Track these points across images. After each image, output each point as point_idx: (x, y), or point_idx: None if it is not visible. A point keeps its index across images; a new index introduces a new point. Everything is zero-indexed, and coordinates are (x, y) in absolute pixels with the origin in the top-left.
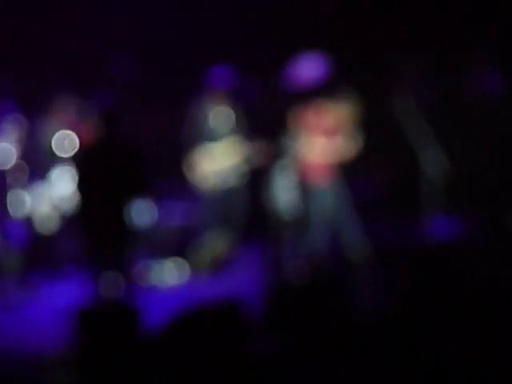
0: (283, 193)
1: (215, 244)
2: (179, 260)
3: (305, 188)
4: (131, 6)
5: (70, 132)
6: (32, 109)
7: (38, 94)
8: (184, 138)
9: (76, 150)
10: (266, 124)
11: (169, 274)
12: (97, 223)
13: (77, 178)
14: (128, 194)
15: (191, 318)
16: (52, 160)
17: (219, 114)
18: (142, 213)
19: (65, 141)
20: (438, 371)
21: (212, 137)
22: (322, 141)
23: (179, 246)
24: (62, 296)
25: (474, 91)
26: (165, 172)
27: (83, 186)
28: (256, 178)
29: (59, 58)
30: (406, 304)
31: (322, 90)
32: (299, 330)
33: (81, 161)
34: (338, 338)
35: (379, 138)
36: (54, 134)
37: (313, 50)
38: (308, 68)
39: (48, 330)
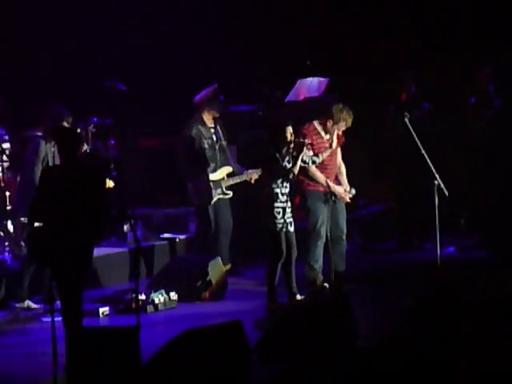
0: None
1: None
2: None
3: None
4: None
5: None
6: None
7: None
8: (180, 157)
9: None
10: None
11: (166, 300)
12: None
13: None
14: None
15: (192, 340)
16: None
17: (212, 133)
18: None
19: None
20: None
21: (207, 153)
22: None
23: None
24: None
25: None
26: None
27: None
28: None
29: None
30: (409, 325)
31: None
32: (303, 354)
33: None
34: (343, 363)
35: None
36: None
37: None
38: (308, 89)
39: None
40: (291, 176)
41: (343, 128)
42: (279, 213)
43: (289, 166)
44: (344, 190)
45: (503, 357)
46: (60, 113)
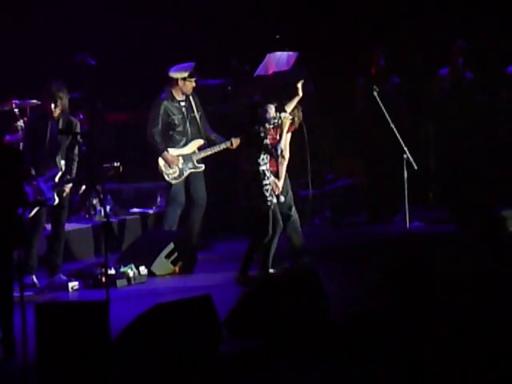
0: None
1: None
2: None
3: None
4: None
5: None
6: None
7: None
8: (150, 130)
9: None
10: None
11: (136, 274)
12: None
13: None
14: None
15: (161, 315)
16: None
17: (182, 106)
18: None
19: None
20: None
21: (177, 126)
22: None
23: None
24: None
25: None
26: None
27: None
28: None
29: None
30: (379, 298)
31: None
32: (273, 328)
33: None
34: (313, 337)
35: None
36: None
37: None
38: (277, 63)
39: None
40: (278, 152)
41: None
42: (267, 190)
43: (269, 142)
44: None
45: (471, 329)
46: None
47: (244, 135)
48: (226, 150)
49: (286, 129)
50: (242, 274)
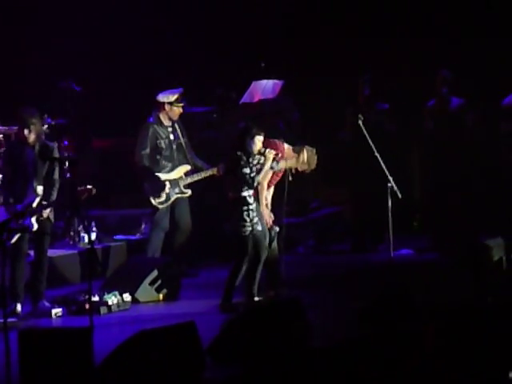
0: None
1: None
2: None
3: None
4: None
5: None
6: None
7: None
8: (138, 153)
9: None
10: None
11: (119, 301)
12: None
13: None
14: None
15: (145, 342)
16: None
17: (169, 132)
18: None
19: None
20: None
21: (164, 151)
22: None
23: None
24: None
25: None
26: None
27: None
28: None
29: None
30: (364, 327)
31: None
32: (257, 355)
33: None
34: (297, 365)
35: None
36: None
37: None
38: (263, 91)
39: None
40: (255, 184)
41: (297, 167)
42: (248, 216)
43: (253, 173)
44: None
45: (454, 358)
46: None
47: (227, 161)
48: (212, 176)
49: (268, 164)
50: (226, 301)
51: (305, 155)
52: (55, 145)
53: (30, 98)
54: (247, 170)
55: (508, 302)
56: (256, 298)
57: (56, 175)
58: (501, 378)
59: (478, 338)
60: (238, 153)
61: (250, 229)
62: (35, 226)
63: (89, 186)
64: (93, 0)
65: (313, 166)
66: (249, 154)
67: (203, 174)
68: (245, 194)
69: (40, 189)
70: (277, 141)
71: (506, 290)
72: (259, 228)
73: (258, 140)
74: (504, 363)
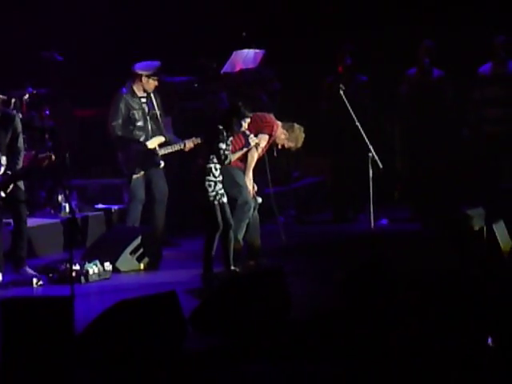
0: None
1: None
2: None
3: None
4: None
5: None
6: None
7: None
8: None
9: None
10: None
11: (100, 270)
12: None
13: None
14: None
15: (126, 311)
16: None
17: (143, 102)
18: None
19: None
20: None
21: (137, 121)
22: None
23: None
24: None
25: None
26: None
27: None
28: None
29: None
30: (342, 296)
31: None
32: (237, 325)
33: None
34: (276, 335)
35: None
36: None
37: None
38: (244, 60)
39: None
40: (226, 161)
41: (284, 143)
42: (210, 186)
43: (227, 151)
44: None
45: (434, 330)
46: None
47: (206, 131)
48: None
49: (245, 149)
50: (206, 271)
51: (294, 133)
52: (17, 113)
53: (12, 67)
54: (223, 146)
55: (488, 272)
56: (233, 268)
57: (20, 143)
58: (480, 345)
59: (456, 306)
60: (220, 127)
61: (213, 198)
62: (2, 194)
63: (48, 154)
64: None
65: (299, 145)
66: (231, 131)
67: (176, 147)
68: (211, 165)
69: (3, 159)
70: (271, 116)
71: (486, 260)
72: (225, 200)
73: (245, 122)
74: (483, 330)
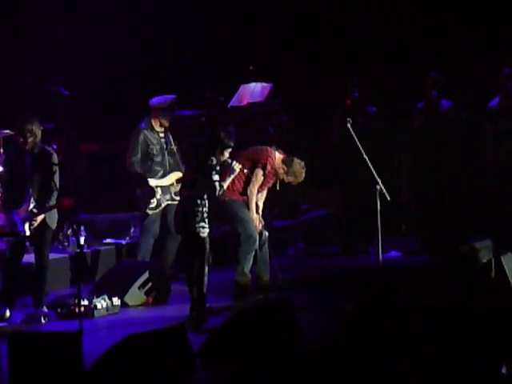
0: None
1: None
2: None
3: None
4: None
5: None
6: None
7: None
8: (129, 159)
9: None
10: None
11: (109, 305)
12: None
13: None
14: None
15: (135, 346)
16: None
17: (161, 137)
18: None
19: None
20: None
21: (155, 157)
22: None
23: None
24: None
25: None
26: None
27: None
28: None
29: None
30: (353, 326)
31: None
32: (247, 358)
33: None
34: (287, 368)
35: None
36: None
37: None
38: (251, 94)
39: None
40: (220, 192)
41: (283, 178)
42: (206, 218)
43: (217, 179)
44: (259, 221)
45: (443, 360)
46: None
47: (196, 161)
48: None
49: (232, 176)
50: (202, 305)
51: (293, 168)
52: (52, 150)
53: (19, 101)
54: (217, 177)
55: (496, 304)
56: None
57: (55, 181)
58: (493, 374)
59: (467, 337)
60: (213, 159)
61: (208, 230)
62: (27, 232)
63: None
64: (81, 5)
65: (300, 179)
66: (218, 161)
67: None
68: (204, 197)
69: (35, 195)
70: (269, 149)
71: (494, 292)
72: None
73: (227, 152)
74: (495, 359)
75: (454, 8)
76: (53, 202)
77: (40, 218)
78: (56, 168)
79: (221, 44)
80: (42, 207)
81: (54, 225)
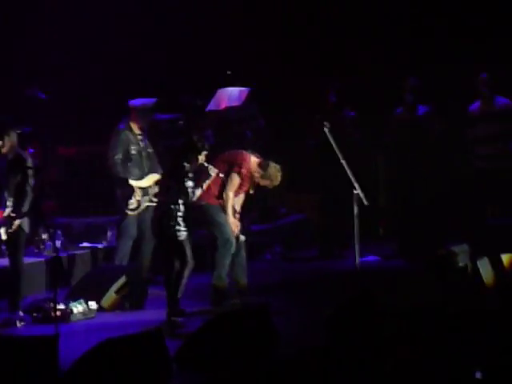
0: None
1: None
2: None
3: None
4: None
5: None
6: None
7: None
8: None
9: None
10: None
11: (85, 309)
12: None
13: None
14: None
15: (111, 350)
16: None
17: (139, 139)
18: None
19: None
20: None
21: (134, 157)
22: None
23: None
24: None
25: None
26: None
27: None
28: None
29: None
30: (330, 332)
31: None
32: (223, 363)
33: None
34: (263, 373)
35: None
36: None
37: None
38: (229, 98)
39: None
40: (194, 198)
41: (259, 181)
42: (181, 222)
43: (191, 185)
44: (235, 225)
45: (421, 364)
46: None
47: (170, 167)
48: None
49: (208, 181)
50: (174, 308)
51: (269, 171)
52: (27, 154)
53: None
54: (190, 183)
55: (472, 308)
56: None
57: (29, 185)
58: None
59: (442, 341)
60: (186, 165)
61: (183, 234)
62: (3, 237)
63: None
64: (58, 9)
65: (276, 183)
66: (193, 167)
67: None
68: (179, 202)
69: (11, 200)
70: (244, 152)
71: (470, 296)
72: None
73: (203, 155)
74: (469, 364)
75: (432, 15)
76: (27, 206)
77: (17, 222)
78: (31, 172)
79: (198, 48)
80: (18, 212)
81: (27, 228)
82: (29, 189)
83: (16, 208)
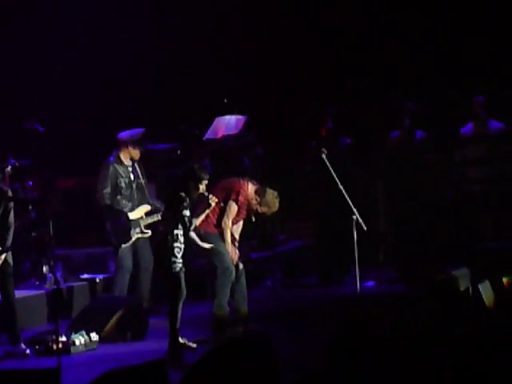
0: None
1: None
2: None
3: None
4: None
5: None
6: None
7: None
8: (100, 192)
9: None
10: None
11: (87, 341)
12: None
13: None
14: None
15: (113, 382)
16: None
17: (129, 171)
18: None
19: None
20: None
21: (124, 190)
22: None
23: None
24: None
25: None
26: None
27: None
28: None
29: None
30: (331, 359)
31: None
32: None
33: None
34: None
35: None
36: None
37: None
38: (226, 126)
39: None
40: (192, 227)
41: (257, 208)
42: (178, 252)
43: (188, 214)
44: (235, 253)
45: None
46: None
47: (168, 197)
48: None
49: (207, 211)
50: (174, 341)
51: (267, 198)
52: (8, 188)
53: None
54: (187, 213)
55: (474, 332)
56: (181, 340)
57: (11, 218)
58: None
59: (444, 366)
60: (182, 194)
61: (181, 266)
62: None
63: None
64: (54, 39)
65: (273, 209)
66: (191, 196)
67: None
68: (177, 232)
69: None
70: (241, 180)
71: (472, 320)
72: (183, 269)
73: (203, 184)
74: None
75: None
76: (10, 238)
77: (2, 257)
78: (11, 205)
79: (195, 77)
80: (3, 246)
81: (11, 260)
82: (10, 221)
83: (1, 242)
